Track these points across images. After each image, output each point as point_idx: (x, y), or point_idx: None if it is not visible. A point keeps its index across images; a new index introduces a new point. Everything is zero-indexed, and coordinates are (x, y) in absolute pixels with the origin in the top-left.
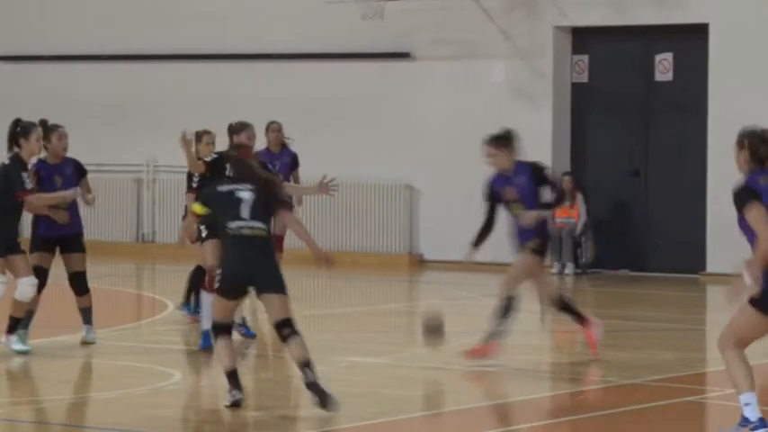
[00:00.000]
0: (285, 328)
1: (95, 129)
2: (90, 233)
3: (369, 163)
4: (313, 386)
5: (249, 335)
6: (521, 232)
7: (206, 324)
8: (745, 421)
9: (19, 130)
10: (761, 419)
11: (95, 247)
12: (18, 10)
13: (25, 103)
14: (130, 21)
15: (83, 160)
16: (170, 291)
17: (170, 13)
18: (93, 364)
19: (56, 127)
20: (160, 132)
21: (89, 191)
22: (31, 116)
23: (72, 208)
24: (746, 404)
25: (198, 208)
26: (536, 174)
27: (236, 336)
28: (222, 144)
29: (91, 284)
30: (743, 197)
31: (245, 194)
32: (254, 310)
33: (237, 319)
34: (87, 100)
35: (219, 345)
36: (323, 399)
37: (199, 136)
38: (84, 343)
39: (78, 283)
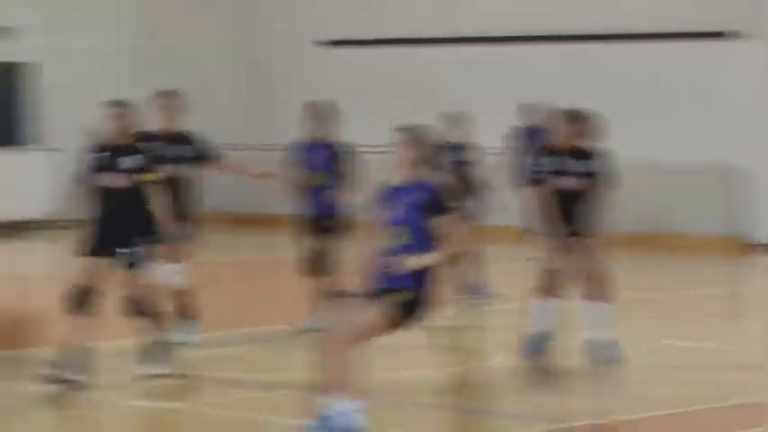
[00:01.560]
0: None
1: (405, 113)
2: None
3: (686, 144)
4: None
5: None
6: None
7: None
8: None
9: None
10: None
11: None
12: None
13: (347, 87)
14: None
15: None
16: (502, 274)
17: None
18: (399, 344)
19: (316, 108)
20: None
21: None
22: (349, 101)
23: (325, 190)
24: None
25: None
26: None
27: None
28: None
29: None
30: None
31: None
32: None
33: None
34: (398, 84)
35: None
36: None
37: None
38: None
39: (322, 263)
